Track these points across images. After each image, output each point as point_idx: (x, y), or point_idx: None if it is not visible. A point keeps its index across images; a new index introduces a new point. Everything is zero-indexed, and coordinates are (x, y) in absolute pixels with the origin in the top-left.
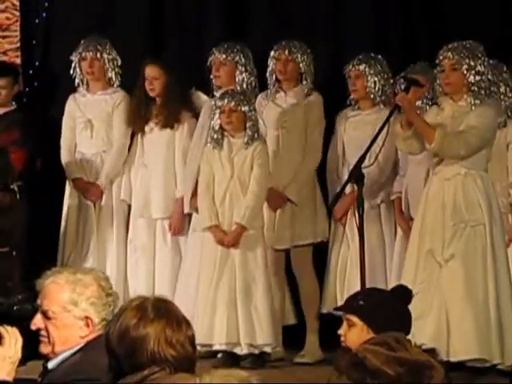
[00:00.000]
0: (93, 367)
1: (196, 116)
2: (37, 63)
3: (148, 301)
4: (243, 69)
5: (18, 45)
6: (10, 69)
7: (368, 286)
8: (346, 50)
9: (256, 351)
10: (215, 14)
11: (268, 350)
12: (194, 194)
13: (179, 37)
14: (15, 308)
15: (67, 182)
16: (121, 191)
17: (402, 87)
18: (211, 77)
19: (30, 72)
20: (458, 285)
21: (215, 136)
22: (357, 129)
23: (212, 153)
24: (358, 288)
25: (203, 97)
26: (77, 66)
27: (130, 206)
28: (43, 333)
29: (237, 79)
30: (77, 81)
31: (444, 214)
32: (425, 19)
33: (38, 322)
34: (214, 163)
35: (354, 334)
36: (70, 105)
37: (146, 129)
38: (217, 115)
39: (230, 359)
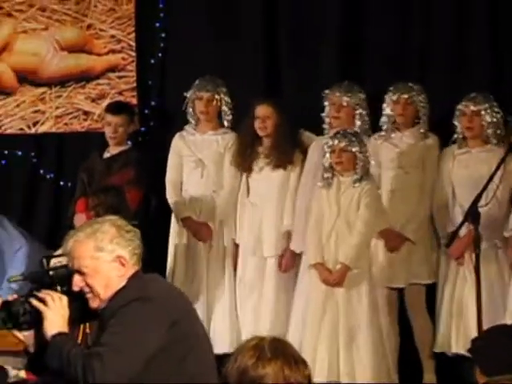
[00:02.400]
0: (142, 288)
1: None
2: (152, 103)
3: (264, 340)
4: (362, 111)
5: (134, 85)
6: (126, 107)
7: (487, 326)
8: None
9: None
10: (328, 56)
11: None
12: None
13: (292, 78)
14: (51, 273)
15: (172, 221)
16: (231, 232)
17: None
18: (324, 115)
19: (146, 112)
20: None
21: (325, 175)
22: (468, 167)
23: (321, 191)
24: (474, 328)
25: (313, 137)
26: (189, 103)
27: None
28: (86, 289)
29: (356, 121)
30: (191, 119)
31: None
32: None
33: (77, 282)
34: (322, 201)
35: (477, 376)
36: (177, 143)
37: (255, 168)
38: (327, 154)
39: None
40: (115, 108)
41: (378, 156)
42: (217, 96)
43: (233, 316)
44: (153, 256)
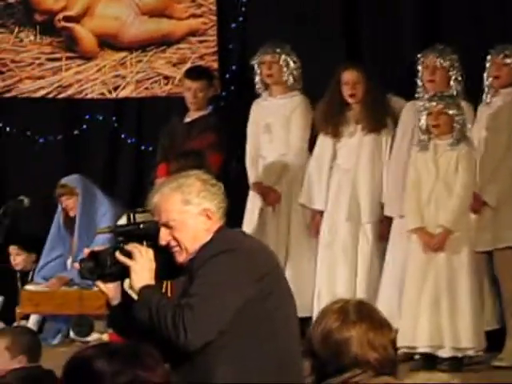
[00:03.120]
0: (232, 241)
1: (396, 121)
2: (233, 67)
3: (349, 303)
4: (456, 73)
5: (215, 49)
6: (205, 72)
7: None
8: None
9: (459, 354)
10: (411, 18)
11: (471, 353)
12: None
13: (375, 40)
14: (141, 226)
15: (250, 187)
16: (301, 195)
17: None
18: (418, 80)
19: (227, 76)
20: None
21: (422, 137)
22: None
23: (417, 154)
24: None
25: (401, 101)
26: (257, 70)
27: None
28: (173, 243)
29: (451, 83)
30: (258, 85)
31: None
32: None
33: (164, 236)
34: (419, 165)
35: None
36: (254, 110)
37: (345, 133)
38: (424, 117)
39: (428, 362)
40: (194, 73)
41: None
42: (278, 57)
43: (310, 279)
44: (232, 220)
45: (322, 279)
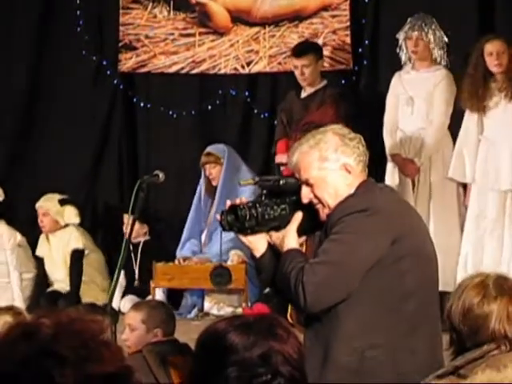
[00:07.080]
0: (370, 199)
1: None
2: (366, 42)
3: (489, 278)
4: None
5: (348, 24)
6: (309, 48)
7: None
8: None
9: None
10: None
11: None
12: None
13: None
14: (281, 182)
15: (388, 159)
16: (448, 169)
17: None
18: None
19: (359, 50)
20: None
21: None
22: None
23: None
24: None
25: None
26: (403, 44)
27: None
28: (315, 201)
29: None
30: (403, 59)
31: None
32: None
33: (305, 193)
34: None
35: None
36: (395, 82)
37: (490, 104)
38: None
39: None
40: (298, 51)
41: None
42: (425, 34)
43: (452, 254)
44: None
45: (469, 251)
